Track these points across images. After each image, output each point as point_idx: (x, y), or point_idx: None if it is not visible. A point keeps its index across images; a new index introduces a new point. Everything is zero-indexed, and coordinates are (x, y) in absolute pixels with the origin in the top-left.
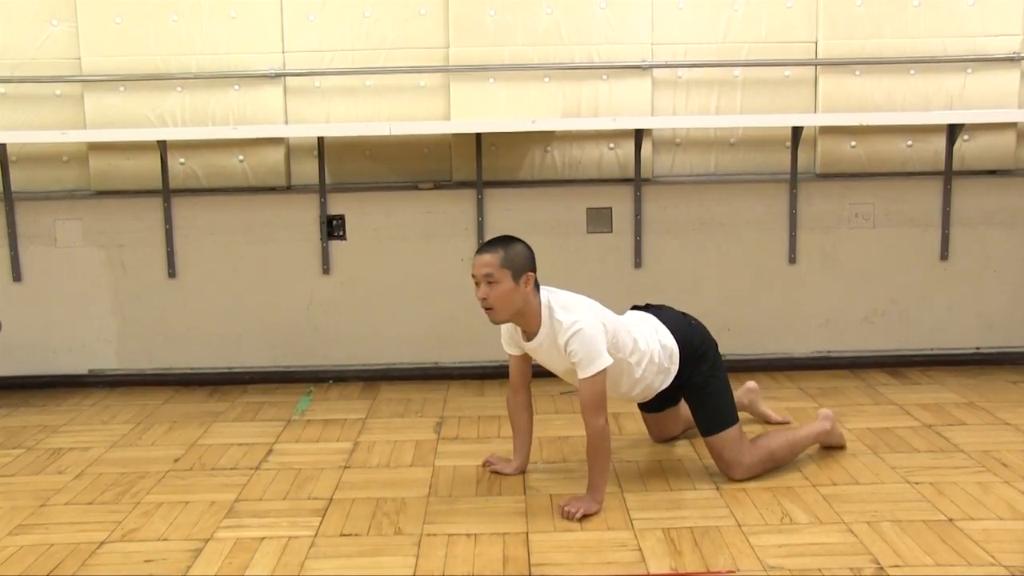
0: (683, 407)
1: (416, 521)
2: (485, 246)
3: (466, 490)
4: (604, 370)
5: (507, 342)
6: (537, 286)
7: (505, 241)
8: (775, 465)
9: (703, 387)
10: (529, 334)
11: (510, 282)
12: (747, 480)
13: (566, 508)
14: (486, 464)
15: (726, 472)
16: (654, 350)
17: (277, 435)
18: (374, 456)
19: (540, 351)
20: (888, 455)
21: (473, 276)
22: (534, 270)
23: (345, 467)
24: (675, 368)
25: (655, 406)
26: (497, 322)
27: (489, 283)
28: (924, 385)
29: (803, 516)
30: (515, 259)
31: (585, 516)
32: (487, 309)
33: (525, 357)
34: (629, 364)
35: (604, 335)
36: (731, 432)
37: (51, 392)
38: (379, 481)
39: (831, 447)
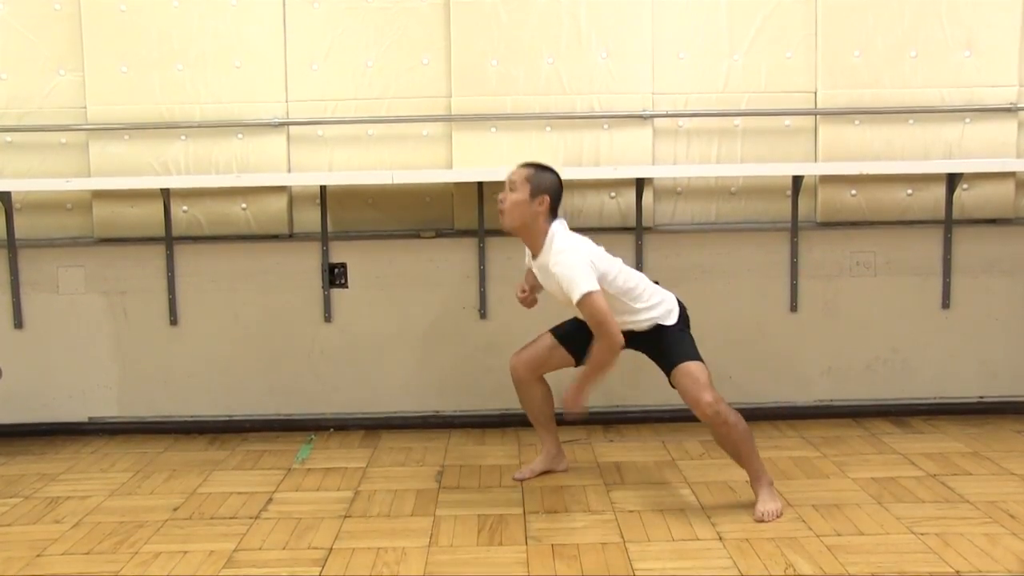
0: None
1: (417, 572)
2: (525, 164)
3: (467, 540)
4: (592, 294)
5: (527, 258)
6: (555, 215)
7: (541, 166)
8: (735, 435)
9: (679, 334)
10: (534, 253)
11: (526, 196)
12: (714, 417)
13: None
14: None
15: (698, 397)
16: (652, 291)
17: (277, 484)
18: (375, 505)
19: (540, 271)
20: (892, 505)
21: (505, 182)
22: (553, 198)
23: (345, 516)
24: (674, 316)
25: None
26: (504, 226)
27: (511, 190)
28: (928, 434)
29: (807, 567)
30: (541, 182)
31: None
32: (500, 212)
33: None
34: (623, 302)
35: (589, 267)
36: (698, 364)
37: (50, 440)
38: (380, 531)
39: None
